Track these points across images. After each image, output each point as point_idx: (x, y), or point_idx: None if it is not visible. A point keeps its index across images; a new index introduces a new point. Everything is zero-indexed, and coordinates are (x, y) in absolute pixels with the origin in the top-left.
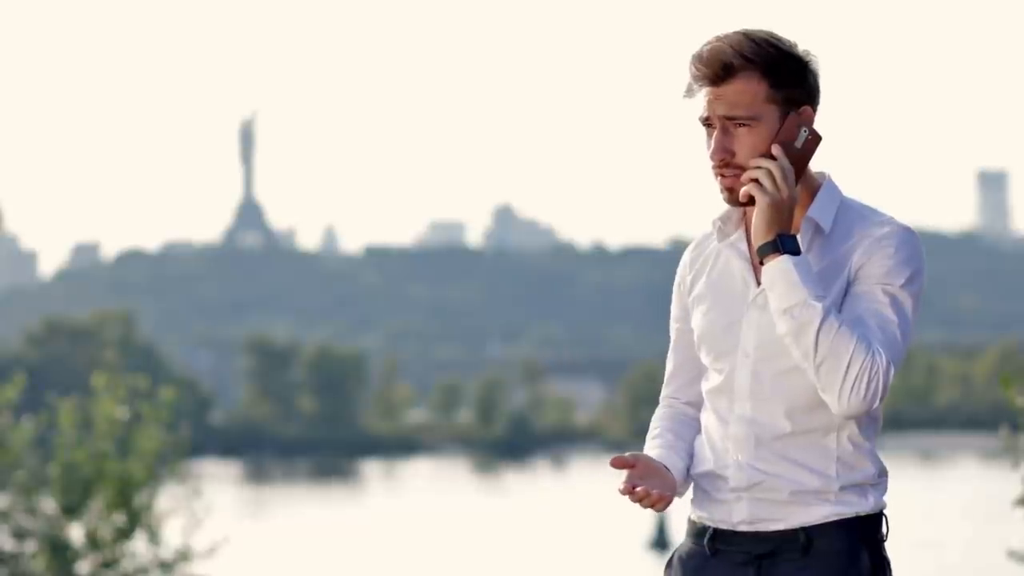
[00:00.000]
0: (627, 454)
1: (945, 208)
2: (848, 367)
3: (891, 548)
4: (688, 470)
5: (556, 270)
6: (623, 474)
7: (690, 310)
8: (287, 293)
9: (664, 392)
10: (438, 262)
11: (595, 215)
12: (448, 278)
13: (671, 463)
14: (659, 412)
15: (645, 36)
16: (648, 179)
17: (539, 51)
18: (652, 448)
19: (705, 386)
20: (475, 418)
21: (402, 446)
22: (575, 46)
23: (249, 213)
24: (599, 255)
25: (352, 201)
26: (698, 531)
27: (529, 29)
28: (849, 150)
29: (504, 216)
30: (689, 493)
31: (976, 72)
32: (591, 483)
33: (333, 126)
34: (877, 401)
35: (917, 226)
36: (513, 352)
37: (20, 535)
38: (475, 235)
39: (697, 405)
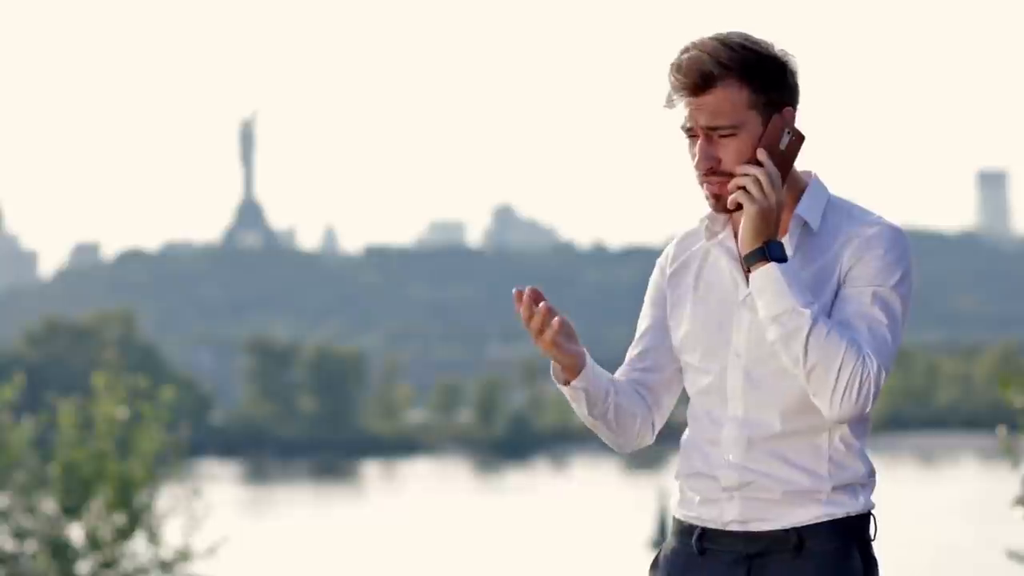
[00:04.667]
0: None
1: (945, 208)
2: (839, 373)
3: (892, 547)
4: (596, 381)
5: (556, 270)
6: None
7: (669, 305)
8: (287, 293)
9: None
10: (438, 262)
11: (595, 215)
12: (448, 278)
13: (590, 361)
14: None
15: (646, 36)
16: (648, 179)
17: (539, 51)
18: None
19: (691, 388)
20: (475, 418)
21: (402, 446)
22: (575, 46)
23: (249, 213)
24: (599, 255)
25: (352, 201)
26: (685, 530)
27: (529, 29)
28: (850, 150)
29: (504, 216)
30: (675, 494)
31: (976, 72)
32: (591, 483)
33: (333, 126)
34: (868, 406)
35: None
36: (513, 352)
37: (20, 535)
38: (475, 235)
39: (641, 383)
